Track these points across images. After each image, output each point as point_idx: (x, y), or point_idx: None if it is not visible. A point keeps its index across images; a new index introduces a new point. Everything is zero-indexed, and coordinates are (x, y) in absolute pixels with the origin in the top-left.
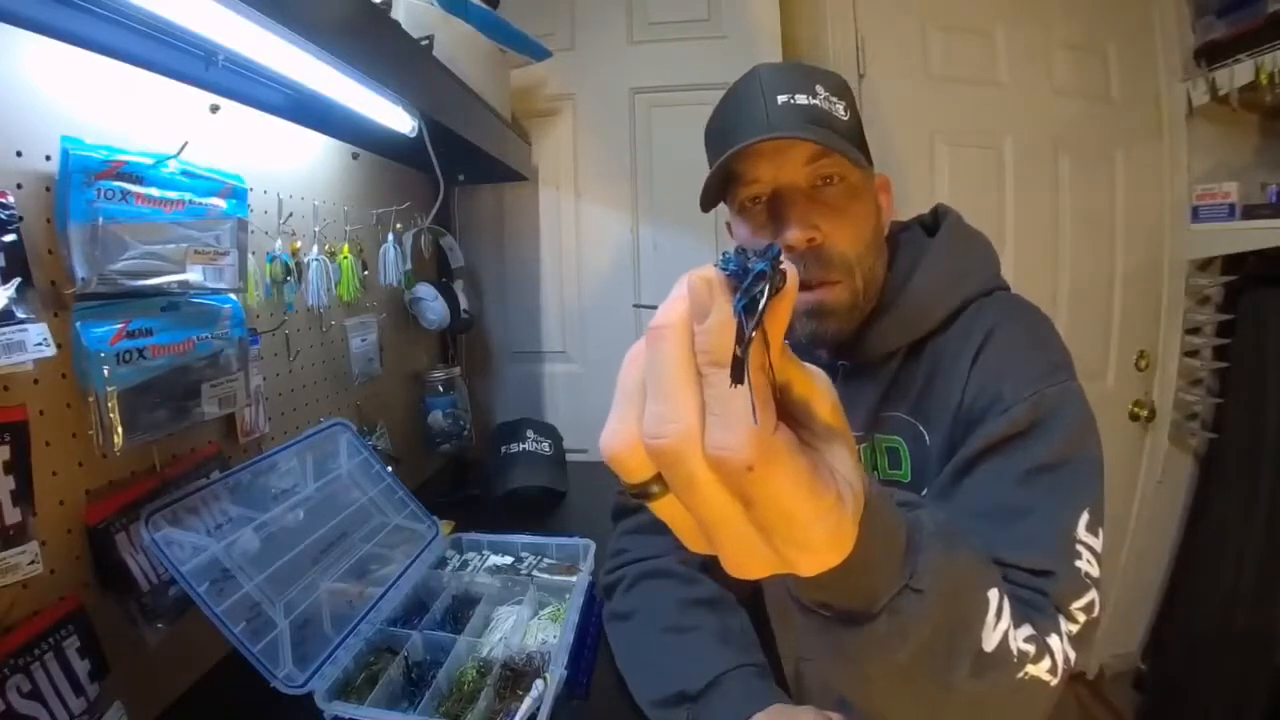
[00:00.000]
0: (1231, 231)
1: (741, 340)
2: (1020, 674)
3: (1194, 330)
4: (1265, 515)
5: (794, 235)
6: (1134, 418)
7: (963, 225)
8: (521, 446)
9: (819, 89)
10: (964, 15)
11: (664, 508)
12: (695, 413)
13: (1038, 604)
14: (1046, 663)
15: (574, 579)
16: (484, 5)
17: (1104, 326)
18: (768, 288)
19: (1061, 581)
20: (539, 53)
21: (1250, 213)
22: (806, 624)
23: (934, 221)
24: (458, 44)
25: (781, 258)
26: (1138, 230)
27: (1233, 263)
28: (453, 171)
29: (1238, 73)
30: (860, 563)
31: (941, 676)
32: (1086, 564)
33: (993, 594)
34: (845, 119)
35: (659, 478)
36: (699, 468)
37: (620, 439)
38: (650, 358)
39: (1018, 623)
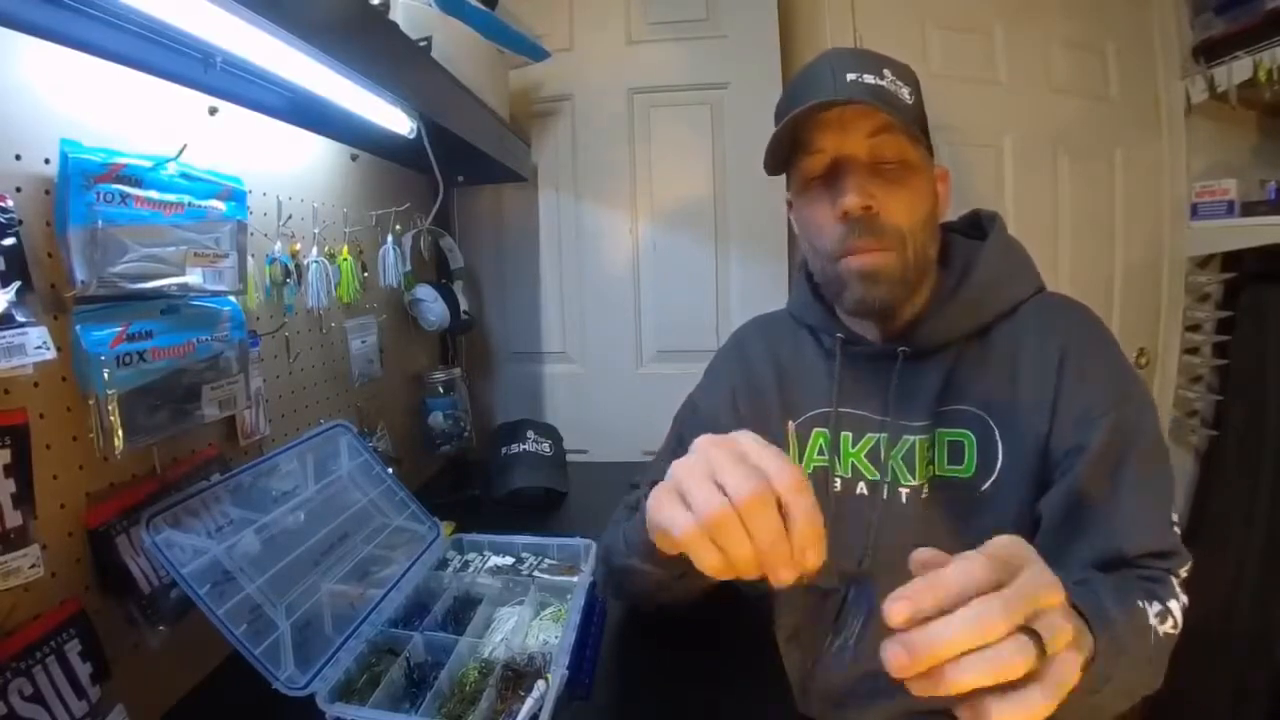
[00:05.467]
0: (1231, 229)
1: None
2: (1160, 640)
3: (1194, 327)
4: (1266, 514)
5: (850, 200)
6: None
7: (1006, 229)
8: (522, 447)
9: (886, 72)
10: (963, 14)
11: None
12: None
13: (1160, 579)
14: (1170, 621)
15: (575, 579)
16: (482, 6)
17: None
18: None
19: (1177, 558)
20: (537, 53)
21: (1249, 209)
22: None
23: (967, 226)
24: (456, 45)
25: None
26: (1137, 228)
27: (1232, 260)
28: (452, 173)
29: (1236, 70)
30: (1095, 661)
31: (1136, 678)
32: (1181, 540)
33: (1140, 603)
34: (909, 103)
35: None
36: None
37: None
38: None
39: (1150, 602)
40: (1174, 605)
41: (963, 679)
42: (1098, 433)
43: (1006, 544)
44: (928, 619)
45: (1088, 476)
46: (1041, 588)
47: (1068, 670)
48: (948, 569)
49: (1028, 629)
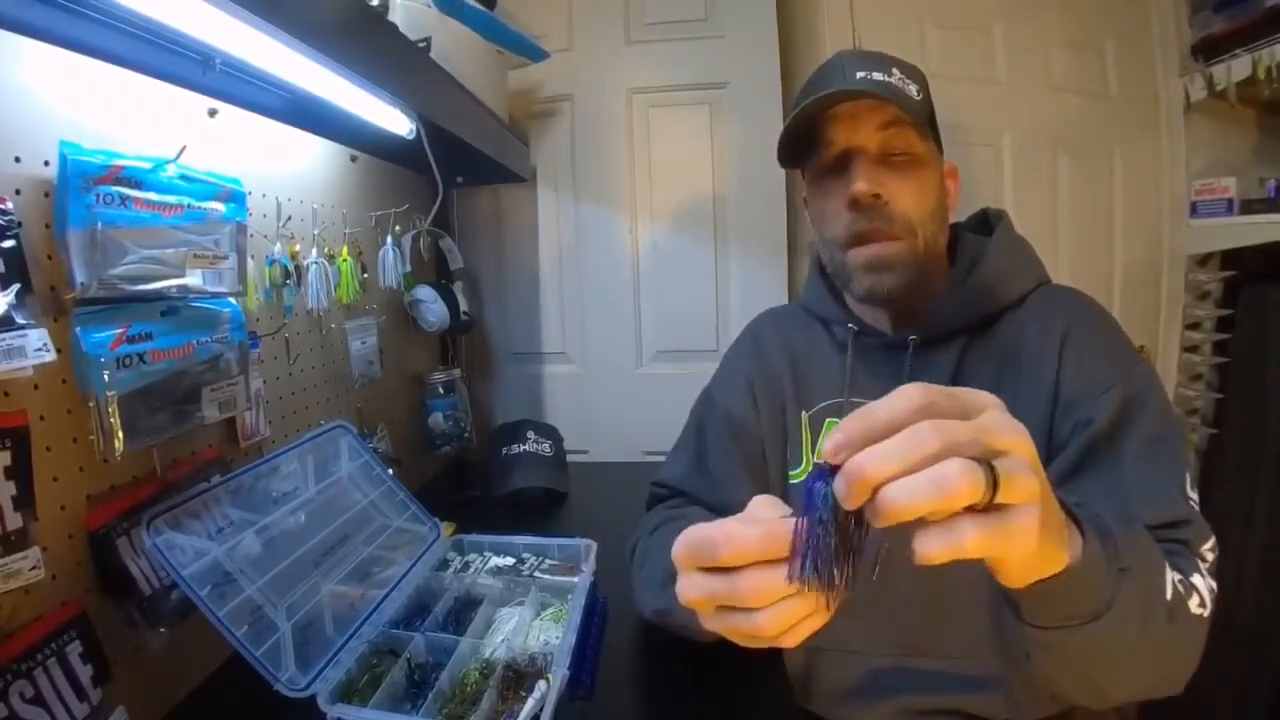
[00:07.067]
0: (1230, 227)
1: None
2: (1185, 612)
3: (1194, 325)
4: (1266, 512)
5: (860, 187)
6: None
7: (1013, 227)
8: (522, 448)
9: (894, 70)
10: (962, 13)
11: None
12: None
13: (1177, 551)
14: (1195, 598)
15: (576, 579)
16: (481, 7)
17: None
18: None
19: (1194, 527)
20: (536, 54)
21: (1248, 208)
22: (1051, 640)
23: (976, 224)
24: (455, 45)
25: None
26: (1136, 226)
27: (1232, 258)
28: (451, 173)
29: (1235, 68)
30: (1088, 562)
31: (1148, 631)
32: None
33: (1157, 548)
34: (917, 99)
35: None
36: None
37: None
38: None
39: (1170, 567)
40: (1199, 582)
41: (899, 500)
42: (1101, 407)
43: (971, 391)
44: None
45: (1091, 448)
46: (999, 428)
47: (1021, 526)
48: (878, 400)
49: (983, 462)
